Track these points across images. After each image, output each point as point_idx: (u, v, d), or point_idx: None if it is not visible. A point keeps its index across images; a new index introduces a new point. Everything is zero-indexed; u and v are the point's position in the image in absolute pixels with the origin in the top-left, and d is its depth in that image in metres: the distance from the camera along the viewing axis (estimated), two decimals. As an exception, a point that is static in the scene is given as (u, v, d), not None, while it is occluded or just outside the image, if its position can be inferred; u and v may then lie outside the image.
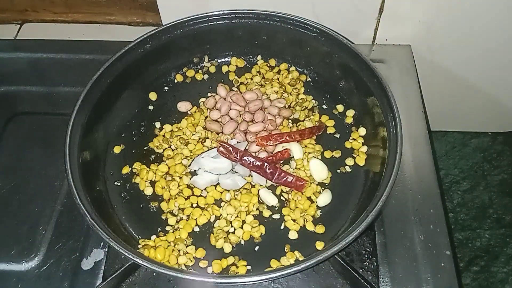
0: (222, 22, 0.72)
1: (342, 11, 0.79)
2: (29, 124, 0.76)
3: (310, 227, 0.61)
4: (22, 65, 0.82)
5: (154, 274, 0.60)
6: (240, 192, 0.64)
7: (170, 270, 0.51)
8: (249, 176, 0.65)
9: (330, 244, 0.54)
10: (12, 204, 0.67)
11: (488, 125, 1.09)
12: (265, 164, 0.63)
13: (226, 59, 0.78)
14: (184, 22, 0.71)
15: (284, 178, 0.63)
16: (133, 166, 0.67)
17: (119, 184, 0.66)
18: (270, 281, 0.59)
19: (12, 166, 0.72)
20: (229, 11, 0.71)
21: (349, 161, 0.67)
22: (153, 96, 0.75)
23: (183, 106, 0.73)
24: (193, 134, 0.70)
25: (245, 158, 0.63)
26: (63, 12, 0.89)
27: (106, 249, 0.61)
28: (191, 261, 0.59)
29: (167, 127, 0.71)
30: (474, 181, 1.09)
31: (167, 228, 0.62)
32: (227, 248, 0.60)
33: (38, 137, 0.74)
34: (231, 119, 0.71)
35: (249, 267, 0.58)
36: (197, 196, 0.64)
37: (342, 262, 0.56)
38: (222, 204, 0.64)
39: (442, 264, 0.59)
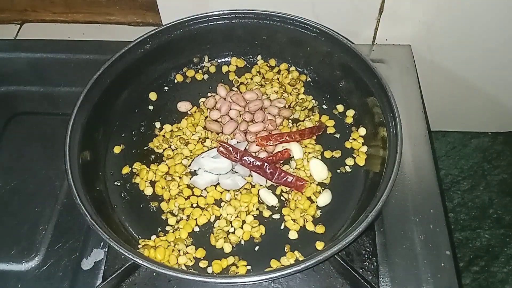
0: (222, 22, 0.72)
1: (342, 11, 0.79)
2: (29, 124, 0.76)
3: (310, 227, 0.61)
4: (22, 65, 0.82)
5: (154, 274, 0.60)
6: (240, 192, 0.64)
7: (170, 270, 0.51)
8: (249, 176, 0.65)
9: (330, 244, 0.54)
10: (12, 204, 0.67)
11: (488, 125, 1.09)
12: (265, 164, 0.63)
13: (226, 59, 0.78)
14: (184, 22, 0.71)
15: (284, 178, 0.63)
16: (133, 166, 0.67)
17: (119, 184, 0.66)
18: (270, 281, 0.59)
19: (12, 166, 0.72)
20: (229, 11, 0.71)
21: (349, 161, 0.67)
22: (153, 96, 0.75)
23: (183, 106, 0.73)
24: (193, 134, 0.70)
25: (245, 158, 0.63)
26: (63, 12, 0.89)
27: (106, 249, 0.61)
28: (191, 261, 0.59)
29: (167, 127, 0.71)
30: (474, 181, 1.09)
31: (167, 228, 0.62)
32: (227, 248, 0.60)
33: (38, 137, 0.74)
34: (231, 119, 0.71)
35: (249, 267, 0.58)
36: (197, 196, 0.64)
37: (342, 262, 0.56)
38: (222, 204, 0.64)
39: (442, 264, 0.59)
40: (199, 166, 0.66)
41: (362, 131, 0.69)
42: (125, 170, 0.67)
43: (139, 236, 0.61)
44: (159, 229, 0.62)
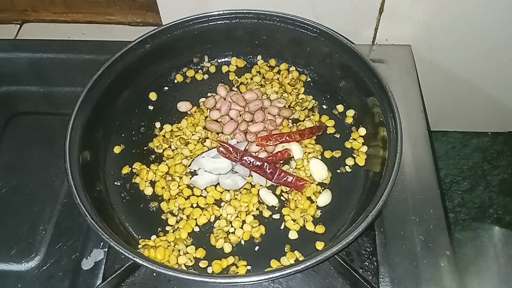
0: (222, 22, 0.72)
1: (342, 11, 0.79)
2: (29, 124, 0.76)
3: (310, 227, 0.61)
4: (22, 65, 0.82)
5: (154, 274, 0.60)
6: (240, 192, 0.64)
7: (170, 270, 0.51)
8: (249, 176, 0.65)
9: (330, 244, 0.54)
10: (12, 204, 0.67)
11: (488, 125, 1.09)
12: (265, 164, 0.63)
13: (226, 59, 0.78)
14: (184, 22, 0.71)
15: (284, 178, 0.63)
16: (133, 166, 0.67)
17: (119, 184, 0.66)
18: (270, 281, 0.59)
19: (12, 166, 0.71)
20: (229, 11, 0.71)
21: (349, 161, 0.67)
22: (153, 96, 0.75)
23: (183, 106, 0.73)
24: (193, 134, 0.70)
25: (245, 158, 0.63)
26: (63, 12, 0.89)
27: (106, 249, 0.61)
28: (191, 261, 0.59)
29: (167, 127, 0.71)
30: (474, 181, 1.09)
31: (167, 228, 0.62)
32: (227, 248, 0.60)
33: (38, 137, 0.74)
34: (231, 119, 0.71)
35: (249, 267, 0.58)
36: (197, 196, 0.64)
37: (342, 262, 0.56)
38: (222, 204, 0.64)
39: (442, 264, 0.59)
40: (199, 166, 0.66)
41: (362, 131, 0.69)
42: (125, 170, 0.67)
43: (139, 236, 0.61)
44: (159, 229, 0.62)
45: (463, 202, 1.07)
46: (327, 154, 0.68)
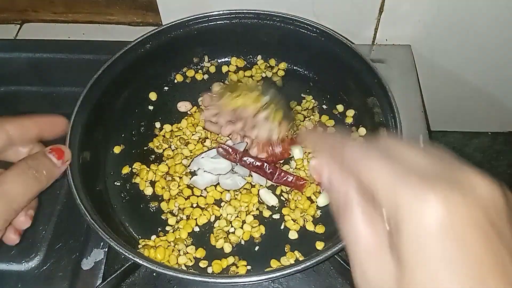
0: (222, 22, 0.72)
1: (342, 11, 0.79)
2: (29, 124, 0.76)
3: (310, 227, 0.61)
4: (22, 65, 0.82)
5: (154, 274, 0.60)
6: (240, 192, 0.64)
7: (170, 270, 0.51)
8: (249, 176, 0.65)
9: (330, 244, 0.54)
10: (12, 204, 0.67)
11: (488, 125, 1.09)
12: (265, 164, 0.63)
13: (226, 59, 0.78)
14: (184, 22, 0.71)
15: (284, 178, 0.63)
16: (133, 166, 0.67)
17: (119, 184, 0.66)
18: (270, 281, 0.59)
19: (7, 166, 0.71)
20: (229, 11, 0.71)
21: (349, 161, 0.66)
22: (153, 96, 0.75)
23: (183, 106, 0.73)
24: (193, 134, 0.70)
25: (244, 158, 0.63)
26: (63, 12, 0.89)
27: (106, 249, 0.61)
28: (191, 261, 0.59)
29: (167, 127, 0.71)
30: (474, 181, 1.09)
31: (167, 228, 0.62)
32: (227, 248, 0.60)
33: (38, 137, 0.74)
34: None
35: (249, 267, 0.58)
36: (197, 196, 0.64)
37: (342, 262, 0.56)
38: (222, 204, 0.64)
39: (442, 264, 0.59)
40: (198, 167, 0.66)
41: (362, 131, 0.69)
42: (125, 170, 0.67)
43: (139, 236, 0.61)
44: (159, 229, 0.62)
45: (463, 202, 1.07)
46: (327, 154, 0.67)
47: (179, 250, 0.59)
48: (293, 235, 0.61)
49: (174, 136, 0.70)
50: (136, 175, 0.66)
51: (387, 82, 0.63)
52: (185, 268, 0.58)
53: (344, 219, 0.28)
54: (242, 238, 0.61)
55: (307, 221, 0.62)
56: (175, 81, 0.77)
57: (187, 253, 0.59)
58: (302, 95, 0.74)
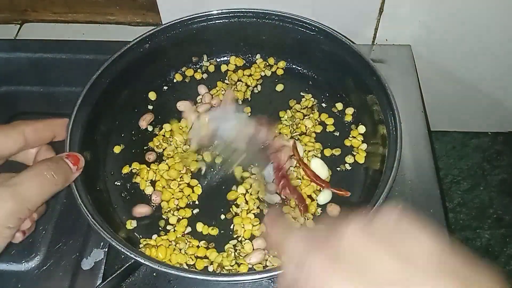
0: (221, 21, 0.72)
1: (342, 11, 0.79)
2: (29, 124, 0.76)
3: (310, 225, 0.61)
4: (22, 65, 0.82)
5: (154, 274, 0.59)
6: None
7: (172, 269, 0.51)
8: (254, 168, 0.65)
9: (330, 243, 0.54)
10: (12, 204, 0.67)
11: (488, 125, 1.09)
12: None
13: (225, 58, 0.78)
14: (183, 21, 0.71)
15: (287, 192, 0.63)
16: (133, 166, 0.67)
17: (119, 184, 0.66)
18: (271, 280, 0.59)
19: (13, 165, 0.71)
20: (228, 10, 0.71)
21: (349, 159, 0.67)
22: (152, 95, 0.75)
23: (182, 105, 0.73)
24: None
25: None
26: (63, 12, 0.89)
27: (106, 249, 0.61)
28: (192, 259, 0.59)
29: (167, 127, 0.71)
30: (474, 181, 1.09)
31: (168, 227, 0.62)
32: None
33: (38, 137, 0.74)
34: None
35: (249, 266, 0.58)
36: (198, 195, 0.64)
37: (342, 260, 0.56)
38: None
39: (443, 263, 0.59)
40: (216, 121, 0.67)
41: (362, 129, 0.69)
42: (125, 169, 0.67)
43: (140, 236, 0.61)
44: (160, 228, 0.62)
45: (463, 202, 1.07)
46: (327, 152, 0.68)
47: (180, 249, 0.59)
48: (293, 234, 0.61)
49: (174, 136, 0.69)
50: (136, 174, 0.66)
51: (387, 81, 0.63)
52: (186, 267, 0.58)
53: None
54: (243, 237, 0.61)
55: (307, 219, 0.62)
56: (175, 80, 0.77)
57: (190, 247, 0.59)
58: (301, 93, 0.74)
